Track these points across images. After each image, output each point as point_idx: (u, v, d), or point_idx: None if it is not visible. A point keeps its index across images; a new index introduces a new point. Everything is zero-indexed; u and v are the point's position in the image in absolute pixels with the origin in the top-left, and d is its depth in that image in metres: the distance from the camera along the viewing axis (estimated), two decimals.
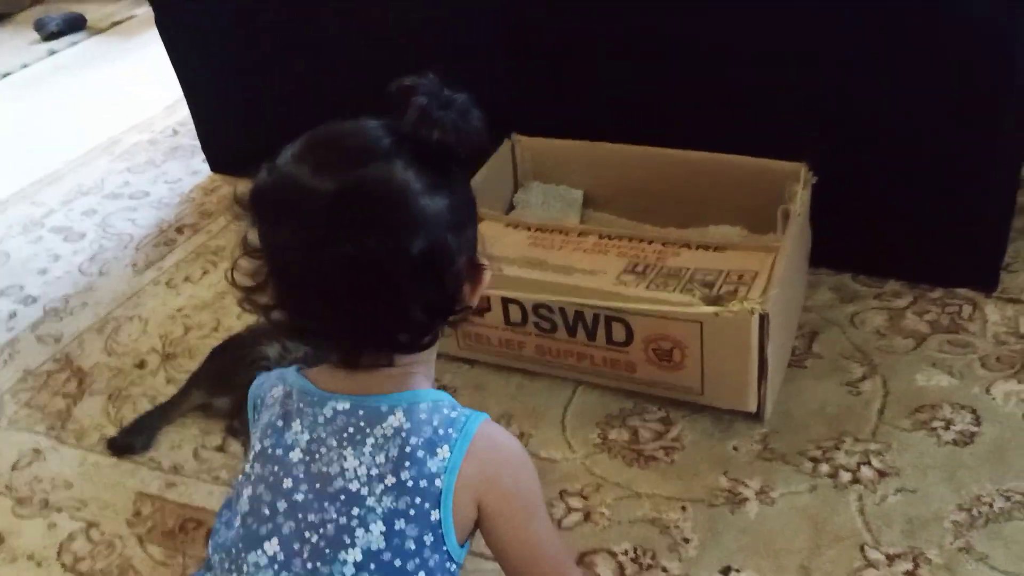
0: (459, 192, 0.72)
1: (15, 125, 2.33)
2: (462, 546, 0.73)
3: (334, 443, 0.72)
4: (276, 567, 0.71)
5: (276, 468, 0.73)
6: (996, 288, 1.23)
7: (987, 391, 1.09)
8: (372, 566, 0.69)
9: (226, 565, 0.74)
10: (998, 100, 1.11)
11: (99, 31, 2.95)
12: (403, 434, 0.70)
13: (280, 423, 0.75)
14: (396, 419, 0.71)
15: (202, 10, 1.66)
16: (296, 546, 0.71)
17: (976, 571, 0.89)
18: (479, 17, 1.38)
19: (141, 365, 1.34)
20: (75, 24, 2.97)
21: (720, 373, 1.07)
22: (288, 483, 0.72)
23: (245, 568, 0.72)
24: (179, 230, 1.69)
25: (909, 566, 0.91)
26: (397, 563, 0.69)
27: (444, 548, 0.70)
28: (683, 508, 1.00)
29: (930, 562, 0.91)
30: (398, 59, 1.42)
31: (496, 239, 1.25)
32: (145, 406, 1.25)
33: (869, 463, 1.02)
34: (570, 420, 1.14)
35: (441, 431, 0.71)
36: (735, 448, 1.07)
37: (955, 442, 1.03)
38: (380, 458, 0.70)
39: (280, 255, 0.69)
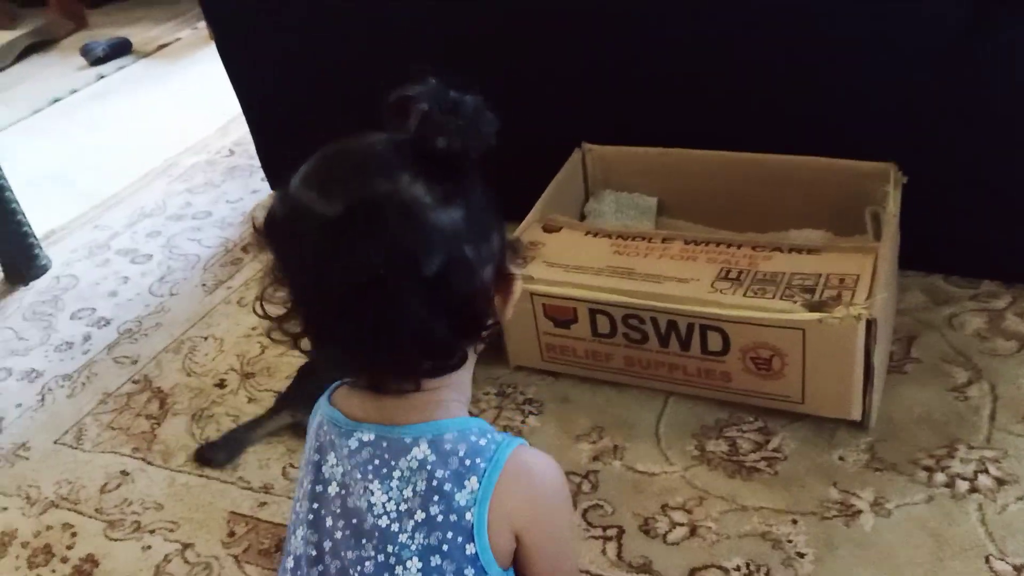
0: (476, 199, 0.66)
1: (68, 150, 2.36)
2: (506, 570, 0.70)
3: (359, 476, 0.69)
4: None
5: (317, 506, 0.71)
6: None
7: None
8: None
9: None
10: None
11: (145, 55, 2.98)
12: (428, 467, 0.67)
13: (316, 457, 0.72)
14: (420, 451, 0.67)
15: (261, 28, 1.67)
16: None
17: None
18: (548, 35, 1.36)
19: (221, 384, 1.33)
20: (121, 49, 3.00)
21: (823, 381, 1.04)
22: (329, 521, 0.70)
23: None
24: (244, 249, 1.69)
25: None
26: None
27: None
28: (794, 521, 0.97)
29: None
30: (455, 73, 1.43)
31: (577, 248, 1.23)
32: (229, 425, 1.24)
33: (986, 471, 0.98)
34: (664, 432, 1.12)
35: (468, 461, 0.67)
36: (841, 458, 1.04)
37: None
38: (408, 492, 0.67)
39: (296, 281, 0.66)
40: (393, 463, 0.68)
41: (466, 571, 0.67)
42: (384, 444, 0.70)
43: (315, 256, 0.63)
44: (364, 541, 0.68)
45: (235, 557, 1.04)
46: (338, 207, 0.62)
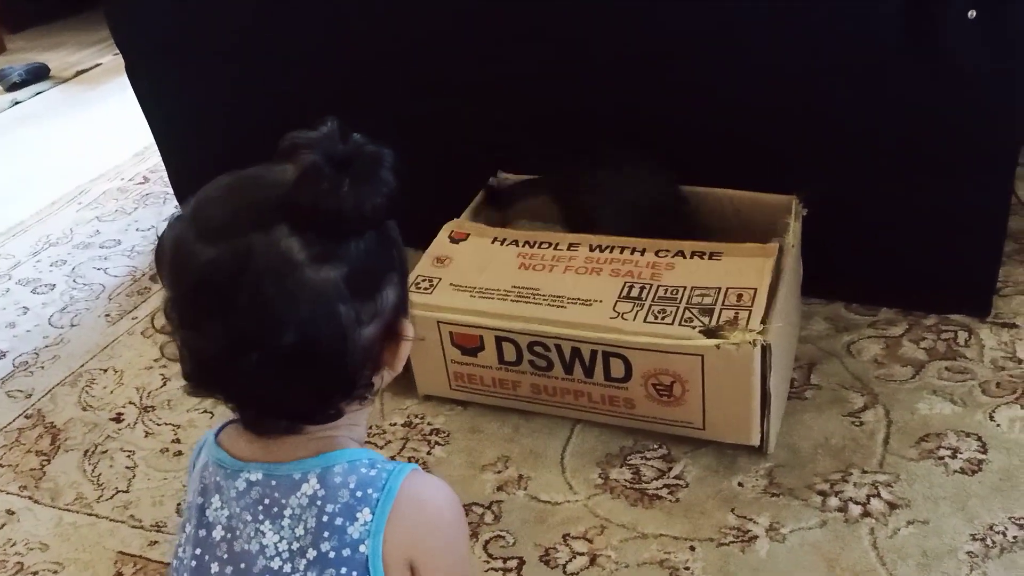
0: (365, 256, 0.62)
1: None
2: None
3: (249, 518, 0.66)
4: None
5: (200, 551, 0.68)
6: (990, 313, 1.23)
7: (990, 417, 1.08)
8: None
9: None
10: (988, 126, 1.11)
11: (63, 80, 2.91)
12: (319, 502, 0.64)
13: (200, 500, 0.69)
14: (310, 486, 0.65)
15: (172, 56, 1.64)
16: None
17: None
18: (467, 60, 1.37)
19: (118, 419, 1.28)
20: (39, 74, 2.92)
21: (722, 407, 1.05)
22: (215, 567, 0.67)
23: None
24: (153, 278, 1.64)
25: None
26: None
27: None
28: (692, 548, 0.97)
29: None
30: (371, 98, 1.43)
31: (484, 262, 1.21)
32: (123, 462, 1.19)
33: (879, 495, 1.00)
34: (569, 461, 1.11)
35: (360, 493, 0.64)
36: (740, 484, 1.04)
37: (963, 471, 1.01)
38: (299, 530, 0.65)
39: (171, 313, 0.63)
40: (283, 501, 0.66)
41: None
42: (272, 483, 0.67)
43: (183, 296, 0.62)
44: None
45: None
46: (209, 253, 0.59)
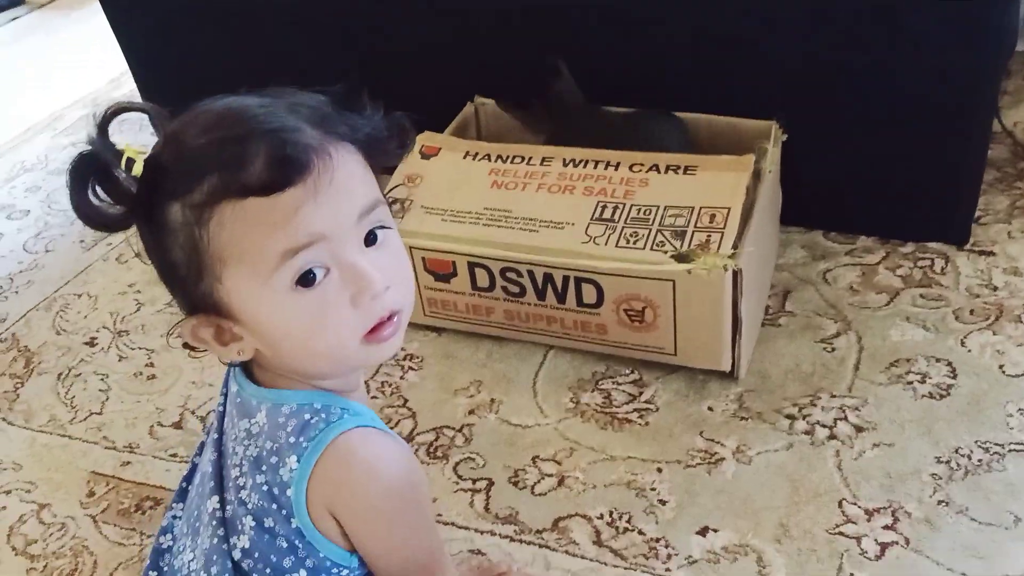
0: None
1: None
2: (353, 552, 0.68)
3: (229, 425, 0.70)
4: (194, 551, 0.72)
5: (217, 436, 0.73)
6: (968, 241, 1.22)
7: (962, 343, 1.08)
8: (256, 554, 0.67)
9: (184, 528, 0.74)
10: (970, 50, 1.09)
11: (39, 6, 2.83)
12: (261, 437, 0.66)
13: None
14: (260, 417, 0.67)
15: None
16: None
17: (956, 523, 0.88)
18: None
19: (91, 343, 1.28)
20: None
21: (693, 332, 1.05)
22: (210, 452, 0.72)
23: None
24: None
25: (888, 520, 0.89)
26: (273, 558, 0.66)
27: (321, 554, 0.66)
28: (659, 470, 0.98)
29: (909, 515, 0.89)
30: (355, 23, 1.39)
31: (455, 179, 1.19)
32: (97, 385, 1.19)
33: (846, 419, 1.00)
34: (541, 386, 1.11)
35: (293, 439, 0.64)
36: (710, 408, 1.05)
37: (931, 395, 1.02)
38: (251, 452, 0.67)
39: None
40: (238, 421, 0.69)
41: (296, 542, 0.66)
42: (238, 400, 0.69)
43: None
44: (229, 484, 0.69)
45: (92, 517, 1.00)
46: None
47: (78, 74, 2.21)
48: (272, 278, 0.60)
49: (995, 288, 1.15)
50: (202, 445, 0.77)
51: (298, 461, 0.64)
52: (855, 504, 0.91)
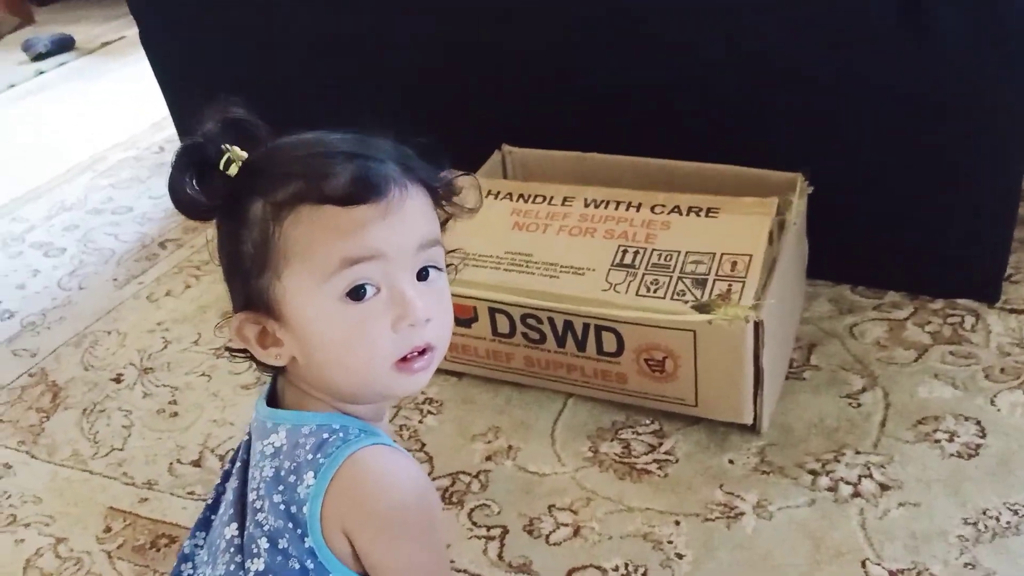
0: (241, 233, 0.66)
1: None
2: None
3: (252, 451, 0.71)
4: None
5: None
6: (999, 299, 1.20)
7: (991, 402, 1.05)
8: None
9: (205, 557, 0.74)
10: (998, 108, 1.08)
11: (88, 52, 2.94)
12: (280, 456, 0.67)
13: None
14: (278, 438, 0.68)
15: (188, 26, 1.64)
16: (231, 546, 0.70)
17: None
18: (472, 37, 1.36)
19: (118, 379, 1.30)
20: (64, 45, 2.96)
21: (714, 384, 1.04)
22: (234, 482, 0.73)
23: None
24: (162, 244, 1.65)
25: None
26: None
27: None
28: (676, 523, 0.96)
29: None
30: (381, 76, 1.42)
31: (478, 223, 1.19)
32: (120, 420, 1.21)
33: (871, 476, 0.98)
34: (560, 433, 1.10)
35: (311, 456, 0.65)
36: (731, 461, 1.03)
37: (959, 454, 0.99)
38: (267, 472, 0.68)
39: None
40: (256, 443, 0.70)
41: (307, 563, 0.66)
42: (255, 424, 0.71)
43: None
44: (247, 509, 0.70)
45: (108, 553, 1.01)
46: None
47: (121, 117, 2.28)
48: (327, 283, 0.63)
49: None
50: (227, 474, 0.78)
51: (315, 477, 0.64)
52: (879, 564, 0.89)
